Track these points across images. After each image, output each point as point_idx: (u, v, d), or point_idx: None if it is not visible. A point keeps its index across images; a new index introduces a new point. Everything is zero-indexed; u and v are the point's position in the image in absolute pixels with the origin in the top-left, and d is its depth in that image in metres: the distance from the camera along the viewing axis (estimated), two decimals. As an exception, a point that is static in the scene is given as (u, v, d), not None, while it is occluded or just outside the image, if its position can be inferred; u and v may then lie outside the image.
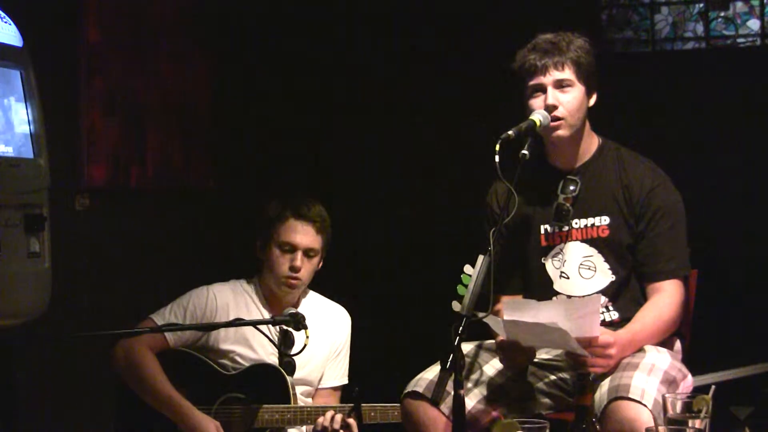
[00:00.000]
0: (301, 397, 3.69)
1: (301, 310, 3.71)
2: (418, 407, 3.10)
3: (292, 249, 3.64)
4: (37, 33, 3.46)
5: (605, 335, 2.97)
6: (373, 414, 3.55)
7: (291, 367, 3.61)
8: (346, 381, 3.83)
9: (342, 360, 3.82)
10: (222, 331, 3.57)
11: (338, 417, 3.52)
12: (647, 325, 3.12)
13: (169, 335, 3.56)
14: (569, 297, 3.19)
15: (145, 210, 4.81)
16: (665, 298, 3.16)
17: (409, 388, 3.13)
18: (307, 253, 3.66)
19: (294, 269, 3.63)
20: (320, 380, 3.78)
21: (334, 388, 3.81)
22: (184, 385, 3.54)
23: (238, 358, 3.63)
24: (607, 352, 2.96)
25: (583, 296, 3.15)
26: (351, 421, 3.52)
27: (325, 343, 3.75)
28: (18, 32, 3.27)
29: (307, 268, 3.66)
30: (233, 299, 3.70)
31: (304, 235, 3.65)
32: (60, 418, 4.16)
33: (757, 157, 5.14)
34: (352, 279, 4.96)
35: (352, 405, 3.54)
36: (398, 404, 3.33)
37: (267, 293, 3.72)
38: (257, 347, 3.64)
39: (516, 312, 2.95)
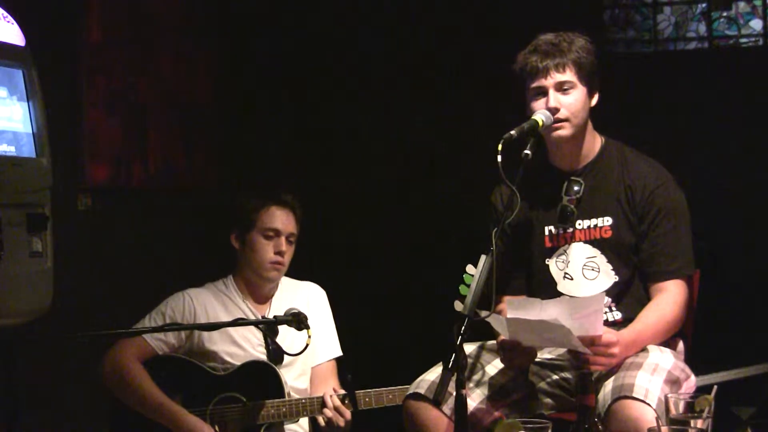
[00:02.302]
0: (296, 385, 3.70)
1: (278, 295, 3.78)
2: (419, 408, 3.10)
3: (277, 234, 3.69)
4: (39, 32, 3.46)
5: (608, 334, 2.97)
6: (367, 399, 3.58)
7: (279, 357, 3.62)
8: (339, 353, 3.84)
9: (328, 332, 3.84)
10: (206, 332, 3.60)
11: (335, 397, 3.56)
12: (650, 325, 3.11)
13: (154, 342, 3.59)
14: (572, 297, 3.18)
15: (146, 209, 4.81)
16: (668, 298, 3.15)
17: (411, 389, 3.13)
18: (289, 238, 3.72)
19: (280, 253, 3.68)
20: (314, 357, 3.79)
21: (329, 362, 3.82)
22: (177, 390, 3.56)
23: (226, 358, 3.64)
24: (610, 351, 2.96)
25: (587, 296, 3.14)
26: (344, 408, 3.54)
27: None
28: (20, 31, 3.27)
29: (289, 253, 3.73)
30: (211, 300, 3.72)
31: (286, 221, 3.72)
32: (60, 417, 4.16)
33: (759, 157, 5.14)
34: (353, 279, 4.96)
35: (345, 392, 3.55)
36: (391, 388, 3.39)
37: (246, 286, 3.76)
38: (243, 344, 3.66)
39: (520, 311, 2.95)
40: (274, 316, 3.51)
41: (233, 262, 3.79)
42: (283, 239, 3.70)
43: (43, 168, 3.28)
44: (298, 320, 3.29)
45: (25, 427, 3.85)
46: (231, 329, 3.63)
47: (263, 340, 3.65)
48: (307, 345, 3.27)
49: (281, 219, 3.72)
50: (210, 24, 5.27)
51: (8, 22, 3.22)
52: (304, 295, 3.81)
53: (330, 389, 3.61)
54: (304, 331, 3.28)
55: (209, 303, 3.71)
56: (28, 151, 3.24)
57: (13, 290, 3.12)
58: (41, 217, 3.22)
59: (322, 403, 3.57)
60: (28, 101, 3.25)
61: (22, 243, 3.15)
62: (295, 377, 3.71)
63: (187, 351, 3.64)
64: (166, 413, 3.51)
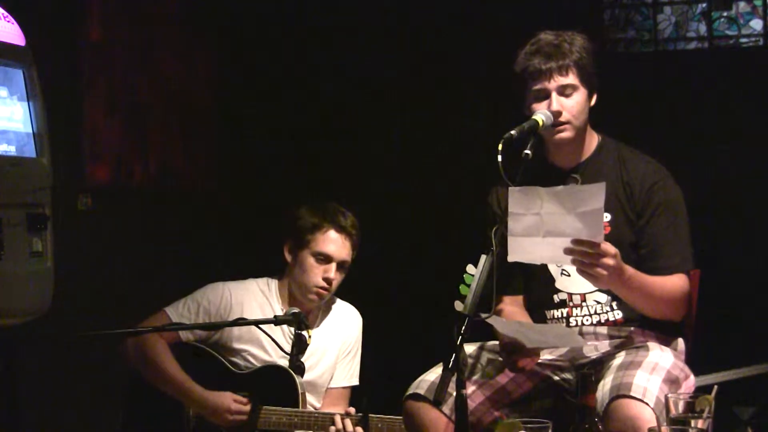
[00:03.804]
0: (310, 401, 3.69)
1: (325, 319, 3.75)
2: (419, 409, 3.10)
3: (328, 260, 3.63)
4: (39, 32, 3.46)
5: (609, 245, 2.90)
6: (380, 425, 3.53)
7: (301, 370, 3.60)
8: (356, 382, 3.82)
9: (352, 360, 3.82)
10: (235, 329, 3.57)
11: (348, 421, 3.53)
12: (649, 278, 3.08)
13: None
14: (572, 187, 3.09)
15: (147, 209, 4.81)
16: (671, 279, 3.15)
17: (411, 390, 3.13)
18: (341, 265, 3.66)
19: (328, 281, 3.63)
20: (333, 379, 3.78)
21: (344, 389, 3.80)
22: (194, 380, 3.54)
23: (250, 358, 3.62)
24: (604, 260, 2.88)
25: (586, 186, 2.98)
26: (359, 430, 3.52)
27: (336, 343, 3.74)
28: (20, 31, 3.27)
29: (337, 280, 3.67)
30: (249, 298, 3.69)
31: (341, 247, 3.64)
32: (61, 417, 4.16)
33: (760, 157, 5.14)
34: (353, 279, 4.95)
35: (360, 415, 3.54)
36: None
37: (288, 296, 3.71)
38: (269, 348, 3.63)
39: (522, 203, 2.89)
40: (275, 316, 3.51)
41: (282, 267, 3.72)
42: (333, 265, 3.63)
43: (44, 168, 3.28)
44: (297, 320, 3.29)
45: (26, 426, 3.86)
46: (261, 334, 3.57)
47: (290, 352, 3.61)
48: (307, 345, 3.27)
49: (337, 245, 3.63)
50: (211, 24, 5.27)
51: (8, 21, 3.23)
52: (339, 317, 3.79)
53: (340, 411, 3.59)
54: (305, 331, 3.28)
55: (247, 302, 3.67)
56: (29, 151, 3.25)
57: (13, 290, 3.12)
58: (41, 217, 3.23)
59: (332, 422, 3.56)
60: (28, 101, 3.25)
61: (22, 243, 3.15)
62: (310, 394, 3.69)
63: (214, 343, 3.62)
64: (185, 390, 3.50)
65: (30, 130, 3.25)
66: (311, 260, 3.62)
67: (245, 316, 3.55)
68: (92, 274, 4.33)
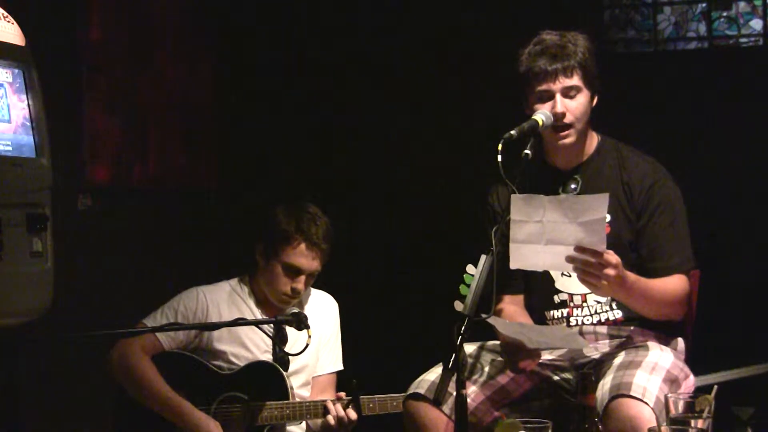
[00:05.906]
0: (299, 392, 3.70)
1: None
2: (419, 408, 3.10)
3: (297, 273, 3.63)
4: (39, 32, 3.46)
5: (611, 255, 2.91)
6: (371, 405, 3.58)
7: (285, 363, 3.63)
8: (341, 367, 3.84)
9: (334, 346, 3.83)
10: (216, 331, 3.58)
11: (339, 405, 3.55)
12: (651, 283, 3.09)
13: (163, 338, 3.58)
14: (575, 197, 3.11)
15: (146, 209, 4.81)
16: (671, 279, 3.16)
17: (411, 389, 3.13)
18: (311, 274, 3.67)
19: (295, 291, 3.63)
20: (317, 368, 3.80)
21: (330, 375, 3.82)
22: (181, 387, 3.55)
23: (232, 358, 3.63)
24: (605, 271, 2.90)
25: (589, 196, 2.99)
26: (351, 412, 3.54)
27: (316, 332, 3.75)
28: (20, 31, 3.26)
29: (306, 286, 3.69)
30: (224, 300, 3.70)
31: (312, 260, 3.63)
32: (60, 418, 4.16)
33: (759, 157, 5.14)
34: (353, 279, 4.96)
35: (350, 398, 3.56)
36: (396, 395, 3.36)
37: (260, 295, 3.72)
38: (251, 346, 3.66)
39: (524, 210, 2.90)
40: (275, 316, 3.52)
41: (254, 266, 3.73)
42: (303, 278, 3.63)
43: (43, 168, 3.27)
44: (298, 320, 3.29)
45: (26, 427, 3.86)
46: (241, 333, 3.62)
47: (271, 346, 3.65)
48: (307, 345, 3.27)
49: (308, 259, 3.62)
50: (210, 24, 5.27)
51: (8, 21, 3.22)
52: (316, 306, 3.80)
53: (331, 398, 3.61)
54: (305, 331, 3.28)
55: (222, 303, 3.69)
56: (29, 151, 3.24)
57: (13, 290, 3.11)
58: (41, 217, 3.22)
59: (325, 409, 3.57)
60: (28, 101, 3.25)
61: (22, 243, 3.14)
62: (299, 385, 3.71)
63: (195, 348, 3.63)
64: (174, 408, 3.50)
65: (30, 131, 3.25)
66: (280, 270, 3.63)
67: (223, 317, 3.59)
68: (92, 274, 4.33)
